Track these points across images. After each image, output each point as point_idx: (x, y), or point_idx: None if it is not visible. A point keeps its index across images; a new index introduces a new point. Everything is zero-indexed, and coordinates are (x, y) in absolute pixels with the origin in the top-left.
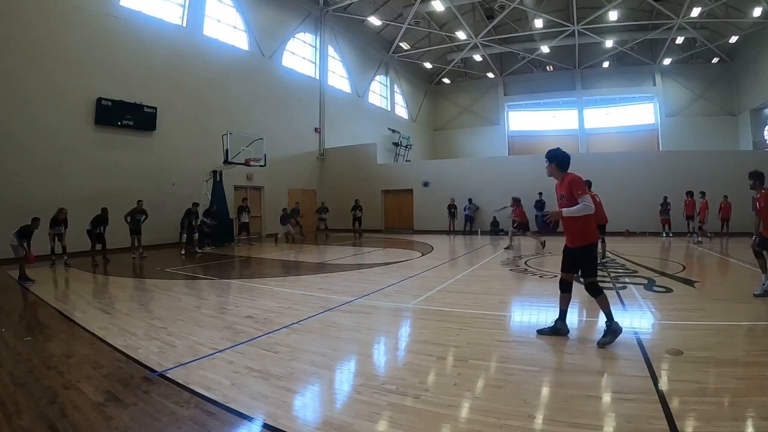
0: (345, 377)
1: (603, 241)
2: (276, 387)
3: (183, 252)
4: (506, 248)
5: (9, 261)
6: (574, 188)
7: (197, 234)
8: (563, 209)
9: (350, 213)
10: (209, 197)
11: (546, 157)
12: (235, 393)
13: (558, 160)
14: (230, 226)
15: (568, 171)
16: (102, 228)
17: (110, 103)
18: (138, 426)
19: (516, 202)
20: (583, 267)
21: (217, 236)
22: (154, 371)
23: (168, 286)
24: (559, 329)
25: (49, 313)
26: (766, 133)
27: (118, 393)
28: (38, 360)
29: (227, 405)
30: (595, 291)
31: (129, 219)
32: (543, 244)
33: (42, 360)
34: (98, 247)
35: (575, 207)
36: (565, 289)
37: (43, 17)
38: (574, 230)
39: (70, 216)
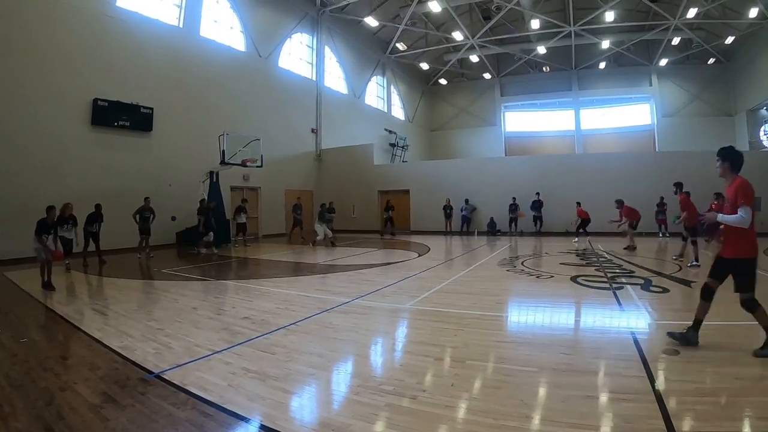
0: (342, 378)
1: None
2: (273, 388)
3: (200, 250)
4: (626, 248)
5: (7, 262)
6: (739, 194)
7: (212, 234)
8: (718, 215)
9: (382, 213)
10: (206, 198)
11: (718, 155)
12: (232, 394)
13: (732, 159)
14: (227, 226)
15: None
16: (97, 226)
17: (107, 104)
18: (135, 428)
19: (620, 204)
20: (736, 280)
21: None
22: (150, 373)
23: (165, 287)
24: (689, 338)
25: (46, 315)
26: (762, 133)
27: (115, 395)
28: (35, 361)
29: (224, 406)
30: (752, 306)
31: (138, 218)
32: (632, 248)
33: (38, 361)
34: (92, 247)
35: (731, 216)
36: (707, 297)
37: (41, 18)
38: (729, 239)
39: None
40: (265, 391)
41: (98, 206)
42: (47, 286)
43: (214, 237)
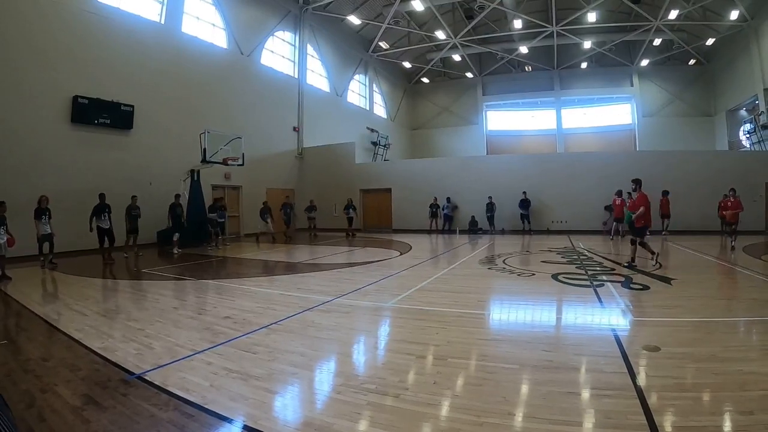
0: (324, 377)
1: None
2: (255, 388)
3: (175, 250)
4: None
5: None
6: None
7: (177, 234)
8: None
9: (342, 213)
10: (186, 196)
11: None
12: (214, 394)
13: None
14: (205, 226)
15: None
16: (107, 217)
17: (87, 101)
18: (117, 429)
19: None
20: None
21: (193, 236)
22: (132, 374)
23: (145, 287)
24: None
25: (26, 316)
26: (741, 133)
27: (96, 396)
28: (15, 364)
29: (206, 407)
30: None
31: (127, 217)
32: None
33: (19, 363)
34: (83, 246)
35: None
36: None
37: (18, 13)
38: None
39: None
40: (247, 390)
41: (102, 196)
42: (2, 277)
43: (179, 236)
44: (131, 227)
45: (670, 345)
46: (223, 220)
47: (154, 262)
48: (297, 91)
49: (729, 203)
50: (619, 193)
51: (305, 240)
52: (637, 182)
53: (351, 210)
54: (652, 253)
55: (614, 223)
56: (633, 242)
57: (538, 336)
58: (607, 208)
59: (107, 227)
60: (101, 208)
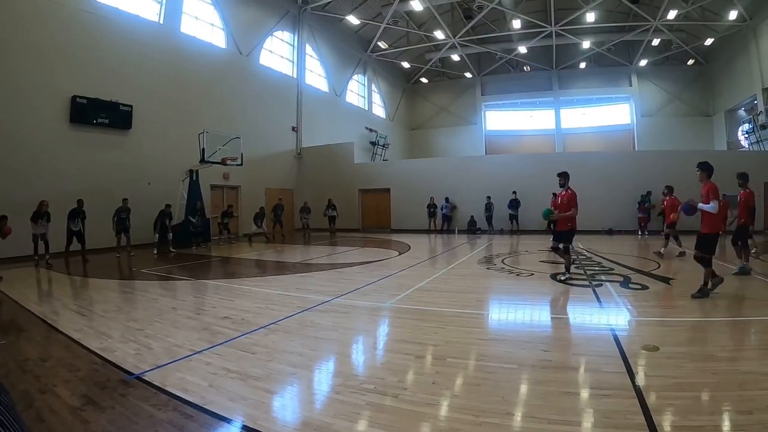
0: (323, 377)
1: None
2: (254, 388)
3: (155, 252)
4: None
5: None
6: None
7: (170, 234)
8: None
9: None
10: (185, 197)
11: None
12: (213, 395)
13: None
14: (207, 226)
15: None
16: (80, 223)
17: (85, 101)
18: (116, 429)
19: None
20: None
21: (190, 236)
22: (131, 374)
23: (144, 287)
24: (715, 284)
25: (24, 316)
26: (740, 133)
27: (95, 396)
28: (13, 364)
29: (205, 407)
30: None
31: (116, 218)
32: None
33: (17, 364)
34: (75, 246)
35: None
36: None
37: (16, 13)
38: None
39: None
40: (246, 391)
41: (80, 201)
42: None
43: (170, 238)
44: (120, 228)
45: (669, 345)
46: (227, 220)
47: (152, 262)
48: (296, 90)
49: (665, 202)
50: (671, 190)
51: (301, 240)
52: (564, 176)
53: (331, 210)
54: (569, 263)
55: (667, 229)
56: (566, 250)
57: (537, 336)
58: (644, 209)
59: (77, 230)
60: (76, 213)
